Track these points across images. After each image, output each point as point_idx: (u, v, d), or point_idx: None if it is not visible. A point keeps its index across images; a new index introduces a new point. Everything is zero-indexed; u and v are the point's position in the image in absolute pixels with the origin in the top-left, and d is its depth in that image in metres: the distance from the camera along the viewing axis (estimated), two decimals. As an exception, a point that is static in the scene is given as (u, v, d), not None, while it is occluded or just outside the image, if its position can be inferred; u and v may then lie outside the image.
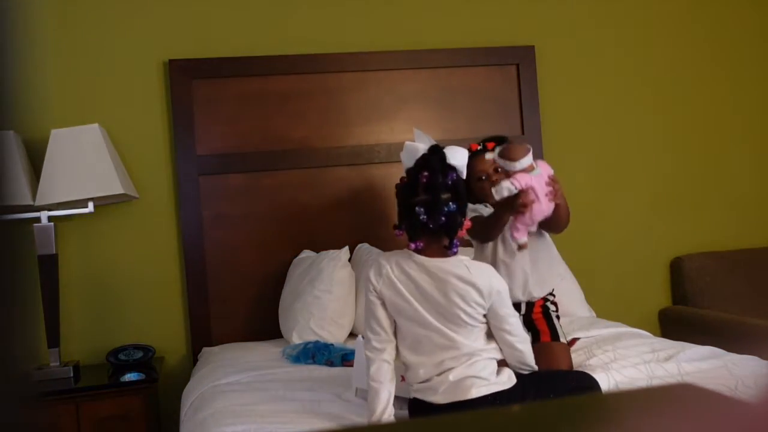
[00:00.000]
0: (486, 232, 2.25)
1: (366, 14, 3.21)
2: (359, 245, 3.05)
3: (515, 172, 2.09)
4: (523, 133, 3.27)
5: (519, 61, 3.29)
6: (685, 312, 3.35)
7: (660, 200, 3.52)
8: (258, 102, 3.06)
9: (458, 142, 3.20)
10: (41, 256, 2.61)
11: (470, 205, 2.25)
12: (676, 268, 3.48)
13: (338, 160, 3.10)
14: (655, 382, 2.00)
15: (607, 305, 3.19)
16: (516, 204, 2.05)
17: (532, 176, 2.07)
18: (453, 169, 1.79)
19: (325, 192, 3.10)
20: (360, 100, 3.15)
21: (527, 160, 2.10)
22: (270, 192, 3.05)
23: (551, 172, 2.14)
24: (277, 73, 3.07)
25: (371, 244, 3.05)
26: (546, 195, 2.08)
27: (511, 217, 2.12)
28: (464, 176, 1.84)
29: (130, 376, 2.64)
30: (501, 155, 2.14)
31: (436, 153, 1.80)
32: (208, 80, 3.01)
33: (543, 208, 2.09)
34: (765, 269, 3.50)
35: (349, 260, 2.88)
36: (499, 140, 2.31)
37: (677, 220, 3.52)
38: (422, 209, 1.75)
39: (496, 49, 3.29)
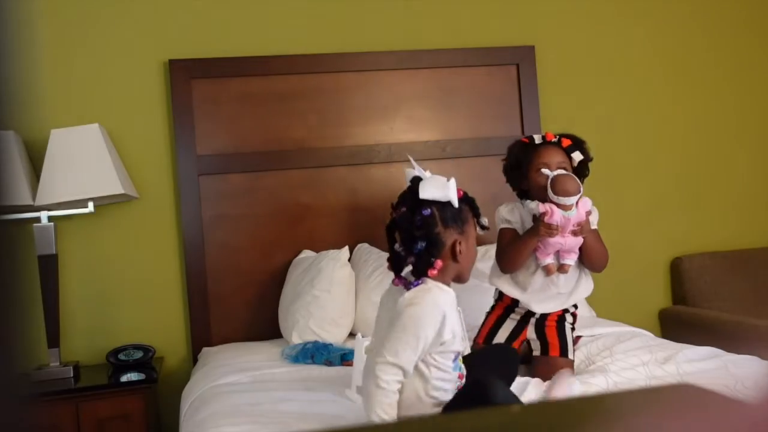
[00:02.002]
0: (514, 252, 2.23)
1: (366, 14, 3.21)
2: (359, 245, 3.05)
3: (554, 202, 2.11)
4: (523, 133, 3.27)
5: (519, 61, 3.29)
6: (685, 312, 3.35)
7: (660, 200, 3.52)
8: (258, 102, 3.06)
9: (458, 142, 3.22)
10: (41, 256, 2.61)
11: (526, 203, 2.25)
12: (676, 268, 3.48)
13: (338, 160, 3.11)
14: (654, 383, 2.00)
15: (607, 305, 3.19)
16: (538, 228, 2.10)
17: (563, 215, 2.09)
18: (428, 204, 1.68)
19: (325, 192, 3.10)
20: (360, 100, 3.15)
21: (569, 200, 2.10)
22: (270, 192, 3.05)
23: (588, 208, 2.16)
24: (277, 73, 3.07)
25: (371, 244, 3.05)
26: (571, 231, 2.11)
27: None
28: (452, 204, 1.70)
29: (130, 376, 2.64)
30: (552, 182, 2.11)
31: (410, 188, 1.74)
32: (208, 80, 3.01)
33: (562, 240, 2.12)
34: (765, 269, 3.50)
35: (349, 260, 2.88)
36: (576, 141, 2.27)
37: (677, 220, 3.52)
38: (400, 246, 1.71)
39: (496, 49, 3.29)
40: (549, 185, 2.09)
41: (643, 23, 3.53)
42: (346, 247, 2.87)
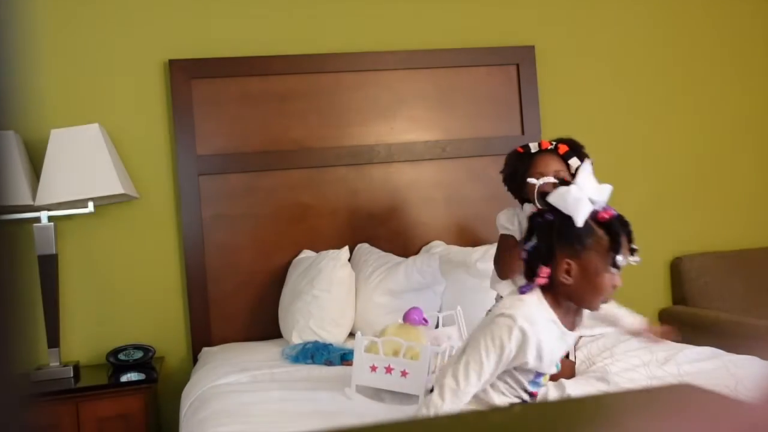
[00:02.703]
0: (510, 259, 2.23)
1: (366, 14, 3.21)
2: (359, 245, 3.06)
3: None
4: (523, 133, 3.27)
5: (519, 61, 3.29)
6: (685, 312, 3.35)
7: (660, 200, 3.52)
8: (258, 102, 3.06)
9: (458, 142, 3.22)
10: (41, 256, 2.61)
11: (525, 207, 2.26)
12: (676, 268, 3.47)
13: (338, 160, 3.11)
14: (655, 383, 2.00)
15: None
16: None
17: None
18: (553, 210, 1.59)
19: (325, 192, 3.10)
20: (360, 100, 3.15)
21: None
22: (270, 192, 3.05)
23: None
24: (277, 73, 3.07)
25: (371, 244, 3.05)
26: None
27: None
28: (575, 222, 1.57)
29: (130, 376, 2.64)
30: (537, 194, 2.08)
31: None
32: (208, 80, 3.01)
33: None
34: (765, 269, 3.50)
35: (349, 260, 2.88)
36: (573, 146, 2.26)
37: (677, 220, 3.52)
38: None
39: (496, 49, 3.29)
40: (535, 196, 2.09)
41: (643, 23, 3.52)
42: (346, 247, 2.87)
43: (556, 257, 1.57)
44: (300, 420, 1.82)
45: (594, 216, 1.57)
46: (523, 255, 1.62)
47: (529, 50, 3.31)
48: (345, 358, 2.42)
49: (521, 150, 2.28)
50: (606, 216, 1.57)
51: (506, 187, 2.35)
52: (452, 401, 1.52)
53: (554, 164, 2.21)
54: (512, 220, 2.30)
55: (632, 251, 1.61)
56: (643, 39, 3.52)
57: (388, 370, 1.94)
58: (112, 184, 2.62)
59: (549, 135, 3.34)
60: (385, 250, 3.03)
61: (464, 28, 3.30)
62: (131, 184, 2.82)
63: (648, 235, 3.49)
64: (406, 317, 2.13)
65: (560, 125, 3.38)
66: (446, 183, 3.20)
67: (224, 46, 3.06)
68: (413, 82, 3.20)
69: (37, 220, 2.64)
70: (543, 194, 2.07)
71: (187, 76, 2.98)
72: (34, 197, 2.59)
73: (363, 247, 3.04)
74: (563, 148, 2.23)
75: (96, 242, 2.94)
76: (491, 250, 2.49)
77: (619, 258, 1.56)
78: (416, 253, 3.06)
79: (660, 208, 3.51)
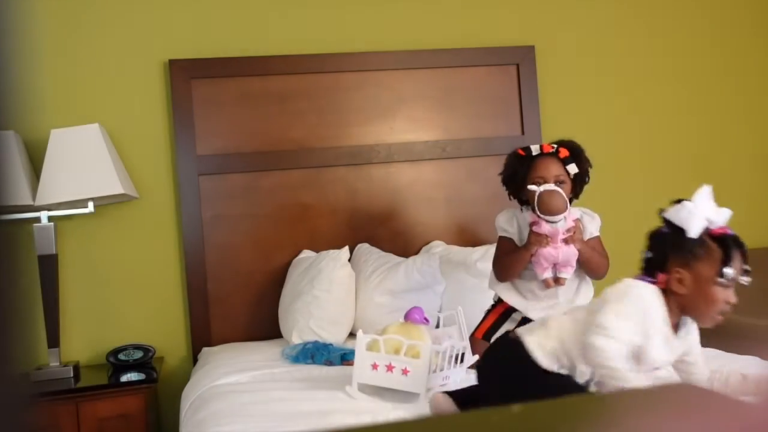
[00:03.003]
0: (508, 263, 2.26)
1: (366, 14, 3.21)
2: (359, 245, 3.06)
3: (539, 216, 2.11)
4: (523, 133, 3.27)
5: (519, 61, 3.29)
6: (685, 312, 3.35)
7: (660, 199, 3.51)
8: (258, 102, 3.06)
9: (458, 142, 3.22)
10: (41, 256, 2.61)
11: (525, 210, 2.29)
12: (676, 268, 3.47)
13: (338, 160, 3.11)
14: (655, 383, 2.00)
15: (607, 305, 3.19)
16: (529, 241, 2.11)
17: (550, 226, 2.10)
18: (668, 223, 1.72)
19: (325, 192, 3.10)
20: (359, 100, 3.15)
21: (556, 218, 2.11)
22: (270, 192, 3.05)
23: (576, 216, 2.18)
24: (277, 73, 3.07)
25: (371, 244, 3.05)
26: (562, 240, 2.12)
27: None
28: (687, 233, 1.67)
29: (130, 376, 2.64)
30: (538, 201, 2.12)
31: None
32: (208, 80, 3.01)
33: (555, 252, 2.13)
34: (765, 269, 3.49)
35: (349, 260, 2.88)
36: (574, 150, 2.26)
37: (677, 220, 3.52)
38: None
39: (496, 49, 3.29)
40: (536, 203, 2.09)
41: (643, 23, 3.52)
42: (346, 247, 2.87)
43: (670, 268, 1.66)
44: (300, 420, 1.82)
45: (708, 231, 1.67)
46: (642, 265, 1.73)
47: (529, 50, 3.31)
48: (345, 358, 2.42)
49: (522, 152, 2.28)
50: (720, 231, 1.67)
51: (505, 189, 2.35)
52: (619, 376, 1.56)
53: (555, 168, 2.21)
54: (511, 222, 2.30)
55: (745, 272, 1.69)
56: (642, 39, 3.52)
57: (389, 368, 1.94)
58: (112, 184, 2.62)
59: (549, 135, 3.34)
60: (385, 250, 3.03)
61: (464, 28, 3.30)
62: (131, 184, 2.82)
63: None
64: (407, 316, 2.13)
65: (560, 125, 3.38)
66: (446, 183, 3.20)
67: (224, 46, 3.06)
68: (413, 82, 3.20)
69: (37, 220, 2.64)
70: (539, 203, 2.08)
71: (187, 76, 2.98)
72: (34, 197, 2.59)
73: (363, 247, 3.04)
74: (564, 152, 2.23)
75: (96, 242, 2.94)
76: (491, 250, 2.49)
77: (728, 270, 1.63)
78: (416, 253, 3.06)
79: (660, 207, 3.50)
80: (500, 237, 2.32)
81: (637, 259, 3.73)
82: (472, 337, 2.31)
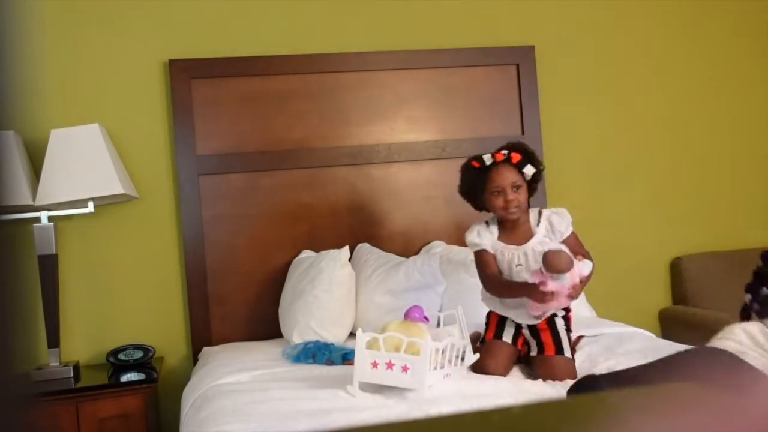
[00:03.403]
0: (499, 290, 2.26)
1: (366, 14, 3.21)
2: (359, 245, 3.06)
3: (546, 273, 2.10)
4: (523, 133, 3.27)
5: (519, 61, 3.29)
6: (685, 312, 3.35)
7: (660, 200, 3.52)
8: (258, 102, 3.06)
9: (458, 142, 3.22)
10: (41, 256, 2.61)
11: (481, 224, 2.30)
12: (676, 268, 3.47)
13: (338, 160, 3.11)
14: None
15: (607, 305, 3.19)
16: (532, 292, 2.09)
17: (557, 282, 2.09)
18: None
19: (325, 192, 3.10)
20: (360, 100, 3.15)
21: (563, 277, 2.08)
22: (270, 192, 3.05)
23: (584, 273, 2.14)
24: (277, 73, 3.07)
25: (371, 244, 3.05)
26: (566, 296, 2.11)
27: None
28: None
29: (130, 376, 2.64)
30: (544, 261, 2.08)
31: None
32: (208, 80, 3.01)
33: (554, 304, 2.13)
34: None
35: (349, 260, 2.88)
36: (525, 153, 2.25)
37: (677, 220, 3.52)
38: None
39: (496, 49, 3.29)
40: (542, 263, 2.09)
41: (643, 23, 3.52)
42: (347, 247, 2.87)
43: None
44: (300, 420, 1.82)
45: None
46: (755, 307, 1.87)
47: (529, 50, 3.31)
48: (346, 357, 2.42)
49: (477, 164, 2.28)
50: None
51: (465, 201, 2.37)
52: None
53: (510, 175, 2.23)
54: (482, 234, 2.31)
55: None
56: (643, 39, 3.52)
57: (389, 366, 1.94)
58: (112, 184, 2.62)
59: (549, 135, 3.34)
60: (385, 250, 3.03)
61: (464, 28, 3.30)
62: (131, 184, 2.82)
63: (648, 235, 3.50)
64: (407, 315, 2.13)
65: (560, 125, 3.38)
66: (446, 183, 3.20)
67: (224, 46, 3.06)
68: (413, 82, 3.20)
69: (37, 220, 2.64)
70: (546, 263, 2.05)
71: (187, 76, 2.98)
72: (34, 197, 2.59)
73: (363, 247, 3.04)
74: (517, 157, 2.23)
75: (96, 242, 2.94)
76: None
77: None
78: (416, 253, 3.06)
79: (660, 208, 3.51)
80: (476, 252, 2.33)
81: (635, 258, 3.72)
82: (485, 339, 2.33)
